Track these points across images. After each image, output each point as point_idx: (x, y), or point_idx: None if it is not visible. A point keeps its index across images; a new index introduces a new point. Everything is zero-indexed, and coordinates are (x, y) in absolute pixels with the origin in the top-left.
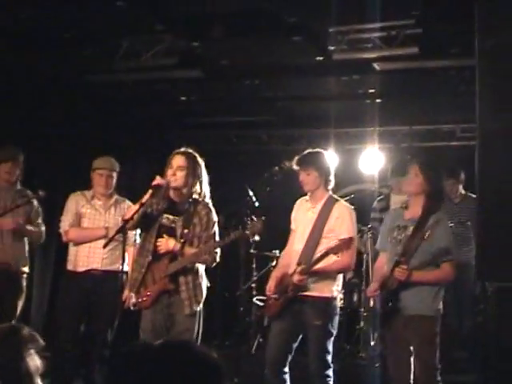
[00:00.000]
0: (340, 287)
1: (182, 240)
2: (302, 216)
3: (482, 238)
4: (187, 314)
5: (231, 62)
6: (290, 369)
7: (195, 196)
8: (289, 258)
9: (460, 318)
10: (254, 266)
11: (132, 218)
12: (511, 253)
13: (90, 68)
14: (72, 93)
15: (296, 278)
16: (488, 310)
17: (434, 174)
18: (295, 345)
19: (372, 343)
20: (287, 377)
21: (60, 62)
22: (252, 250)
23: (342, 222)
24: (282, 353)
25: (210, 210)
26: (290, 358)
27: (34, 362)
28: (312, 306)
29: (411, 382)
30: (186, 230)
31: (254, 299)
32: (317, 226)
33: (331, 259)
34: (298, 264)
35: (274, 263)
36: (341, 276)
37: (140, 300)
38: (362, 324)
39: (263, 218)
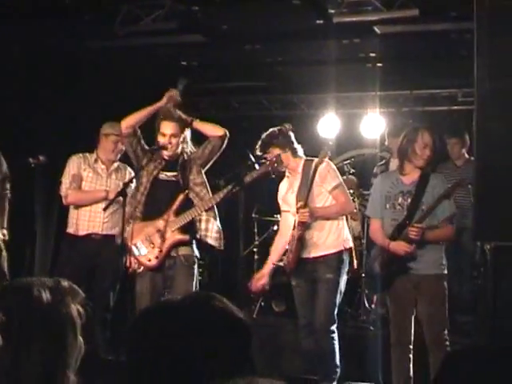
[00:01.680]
0: (349, 238)
1: (186, 191)
2: (288, 189)
3: (479, 198)
4: (187, 278)
5: (231, 26)
6: None
7: (185, 152)
8: (283, 240)
9: (460, 282)
10: (256, 230)
11: (131, 182)
12: (508, 213)
13: (89, 33)
14: (72, 58)
15: (299, 215)
16: (487, 271)
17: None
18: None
19: (373, 306)
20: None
21: (60, 28)
22: (253, 215)
23: (325, 175)
24: (309, 312)
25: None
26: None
27: (75, 311)
28: (324, 262)
29: (411, 343)
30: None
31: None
32: (303, 179)
33: (329, 202)
34: (296, 205)
35: (275, 227)
36: (347, 228)
37: (152, 259)
38: (362, 288)
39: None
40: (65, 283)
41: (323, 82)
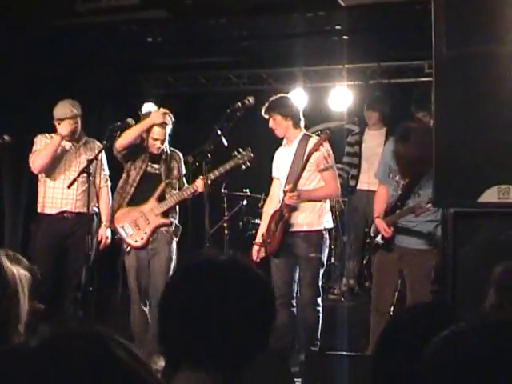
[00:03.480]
0: (329, 218)
1: (167, 181)
2: (281, 160)
3: (438, 166)
4: (168, 246)
5: (195, 1)
6: None
7: (165, 145)
8: (272, 206)
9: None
10: (225, 205)
11: (95, 158)
12: (464, 178)
13: (51, 12)
14: (36, 37)
15: (287, 197)
16: (447, 237)
17: None
18: (296, 276)
19: (344, 280)
20: (294, 310)
21: (22, 8)
22: (223, 190)
23: (321, 160)
24: (286, 286)
25: (180, 155)
26: (295, 289)
27: (20, 272)
28: (305, 239)
29: (390, 311)
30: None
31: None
32: (296, 158)
33: (317, 185)
34: (286, 186)
35: (244, 202)
36: (328, 208)
37: (138, 240)
38: (332, 260)
39: (249, 149)
40: (9, 252)
41: (290, 56)
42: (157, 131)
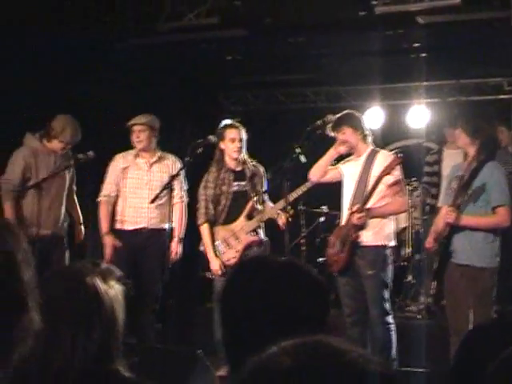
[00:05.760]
0: (392, 236)
1: (255, 199)
2: (349, 171)
3: None
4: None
5: (274, 19)
6: None
7: (245, 159)
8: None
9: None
10: (303, 222)
11: (178, 174)
12: None
13: (133, 31)
14: (116, 56)
15: (355, 218)
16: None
17: (478, 127)
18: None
19: (421, 298)
20: (365, 327)
21: (103, 26)
22: (300, 207)
23: (389, 178)
24: (354, 305)
25: (262, 170)
26: (364, 307)
27: (115, 289)
28: (363, 256)
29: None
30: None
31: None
32: (363, 175)
33: (384, 202)
34: (352, 206)
35: (322, 219)
36: (392, 226)
37: (231, 259)
38: (409, 278)
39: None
40: (99, 266)
41: (368, 74)
42: (231, 147)
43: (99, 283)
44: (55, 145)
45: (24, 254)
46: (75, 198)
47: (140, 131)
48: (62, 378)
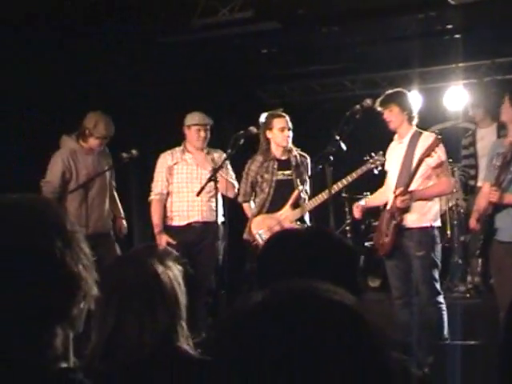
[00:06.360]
0: (437, 217)
1: (300, 188)
2: (393, 155)
3: None
4: None
5: (307, 10)
6: None
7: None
8: (384, 197)
9: None
10: (347, 209)
11: (221, 167)
12: None
13: (168, 29)
14: (151, 54)
15: (398, 201)
16: None
17: None
18: (412, 274)
19: (468, 278)
20: (415, 308)
21: (137, 24)
22: (344, 194)
23: (431, 160)
24: (403, 286)
25: (308, 159)
26: (413, 288)
27: (174, 270)
28: (411, 238)
29: None
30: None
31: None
32: (407, 157)
33: (428, 183)
34: (396, 189)
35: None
36: (437, 207)
37: None
38: (455, 258)
39: (381, 152)
40: (155, 250)
41: (403, 58)
42: (281, 136)
43: (158, 265)
44: (92, 142)
45: (72, 226)
46: (115, 193)
47: (198, 131)
48: (132, 360)
